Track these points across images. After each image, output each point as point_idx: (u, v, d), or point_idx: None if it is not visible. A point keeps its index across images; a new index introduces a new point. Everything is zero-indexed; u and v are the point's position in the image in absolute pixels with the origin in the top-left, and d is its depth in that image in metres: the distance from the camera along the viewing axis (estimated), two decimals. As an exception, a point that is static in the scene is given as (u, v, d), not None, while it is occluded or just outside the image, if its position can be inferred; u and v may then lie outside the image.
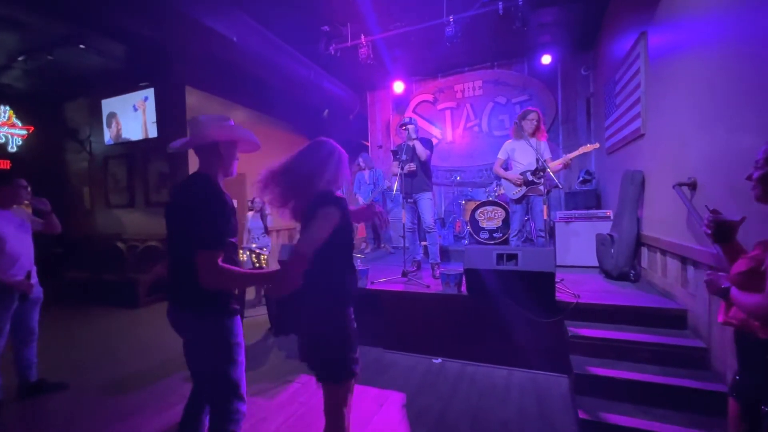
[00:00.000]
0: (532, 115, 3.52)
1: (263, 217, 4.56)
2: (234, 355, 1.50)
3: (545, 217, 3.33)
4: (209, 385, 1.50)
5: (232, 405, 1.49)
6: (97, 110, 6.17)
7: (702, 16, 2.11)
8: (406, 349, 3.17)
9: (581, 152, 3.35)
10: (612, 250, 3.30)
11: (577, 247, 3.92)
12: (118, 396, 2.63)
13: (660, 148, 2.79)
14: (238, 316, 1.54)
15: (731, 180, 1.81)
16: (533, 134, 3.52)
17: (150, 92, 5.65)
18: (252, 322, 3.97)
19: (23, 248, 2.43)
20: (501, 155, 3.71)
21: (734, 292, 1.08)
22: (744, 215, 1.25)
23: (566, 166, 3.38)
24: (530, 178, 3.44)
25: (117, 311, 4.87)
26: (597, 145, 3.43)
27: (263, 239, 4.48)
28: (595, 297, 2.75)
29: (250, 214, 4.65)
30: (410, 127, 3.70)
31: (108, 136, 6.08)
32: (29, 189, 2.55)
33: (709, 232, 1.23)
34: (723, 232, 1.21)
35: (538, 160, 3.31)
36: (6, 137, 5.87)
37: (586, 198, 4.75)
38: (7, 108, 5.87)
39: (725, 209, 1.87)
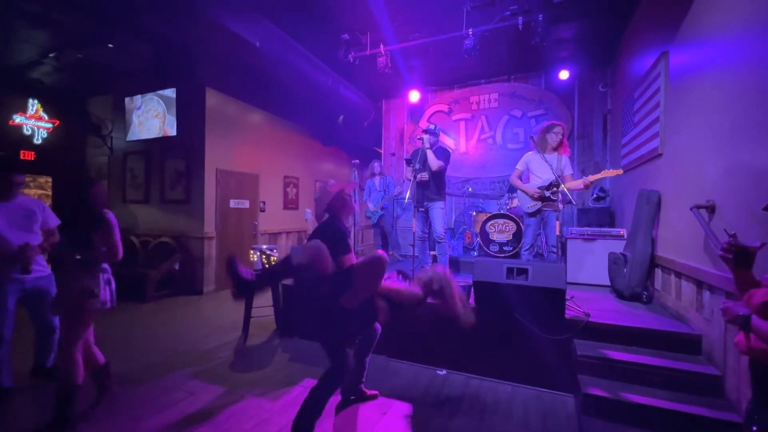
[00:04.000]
0: (558, 129, 3.50)
1: None
2: None
3: (558, 233, 3.30)
4: None
5: None
6: (120, 107, 6.36)
7: (725, 37, 2.10)
8: (411, 358, 3.15)
9: (603, 176, 3.30)
10: (625, 270, 3.24)
11: (588, 264, 3.86)
12: (122, 390, 2.66)
13: (678, 169, 2.75)
14: None
15: (751, 205, 1.78)
16: (556, 148, 3.50)
17: (172, 92, 5.81)
18: (258, 323, 3.99)
19: (10, 243, 2.33)
20: (519, 166, 3.69)
21: (756, 320, 1.05)
22: (764, 242, 1.22)
23: (586, 187, 3.32)
24: (547, 193, 3.41)
25: (125, 305, 4.95)
26: (620, 172, 3.39)
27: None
28: (606, 317, 2.70)
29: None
30: (425, 136, 3.71)
31: (129, 132, 6.26)
32: (22, 184, 2.51)
33: (730, 256, 1.20)
34: (742, 257, 1.18)
35: (556, 176, 3.29)
36: (33, 129, 6.08)
37: (599, 215, 4.69)
38: (36, 101, 6.09)
39: (745, 234, 1.83)
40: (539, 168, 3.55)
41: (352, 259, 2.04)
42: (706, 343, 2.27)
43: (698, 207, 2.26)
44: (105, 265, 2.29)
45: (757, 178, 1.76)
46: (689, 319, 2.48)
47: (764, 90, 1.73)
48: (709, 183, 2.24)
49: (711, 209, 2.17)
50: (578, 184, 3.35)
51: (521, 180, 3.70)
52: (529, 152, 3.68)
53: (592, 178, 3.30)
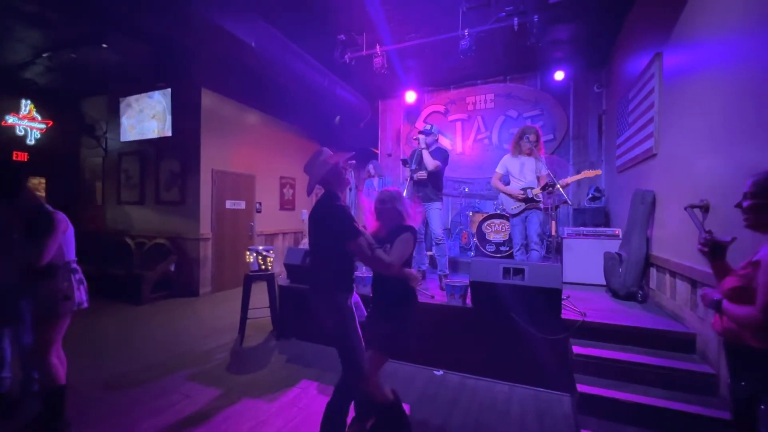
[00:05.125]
0: (530, 135, 3.60)
1: None
2: None
3: (553, 233, 3.33)
4: None
5: None
6: (115, 107, 6.32)
7: (718, 39, 2.12)
8: (408, 359, 3.15)
9: (583, 176, 3.49)
10: (620, 269, 3.27)
11: (584, 264, 3.88)
12: (118, 392, 2.64)
13: (672, 169, 2.77)
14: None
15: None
16: (530, 153, 3.57)
17: (167, 92, 5.78)
18: (255, 324, 3.97)
19: None
20: (499, 169, 3.75)
21: (726, 304, 1.22)
22: (734, 237, 1.44)
23: (564, 187, 3.42)
24: (530, 194, 3.49)
25: (120, 307, 4.92)
26: (599, 172, 3.62)
27: None
28: (602, 316, 2.71)
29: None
30: (421, 137, 3.72)
31: (124, 132, 6.22)
32: None
33: (706, 250, 1.41)
34: (716, 250, 1.40)
35: (550, 178, 3.38)
36: (26, 130, 6.02)
37: (594, 215, 4.72)
38: (29, 102, 6.03)
39: (738, 233, 1.85)
40: (517, 170, 3.64)
41: (362, 243, 1.82)
42: (701, 342, 2.29)
43: (692, 207, 2.27)
44: (75, 265, 2.20)
45: (749, 176, 1.77)
46: (684, 318, 2.51)
47: (756, 90, 1.75)
48: (703, 182, 2.26)
49: (705, 209, 2.19)
50: (566, 183, 3.48)
51: (503, 182, 3.74)
52: (506, 155, 3.77)
53: (568, 180, 3.50)
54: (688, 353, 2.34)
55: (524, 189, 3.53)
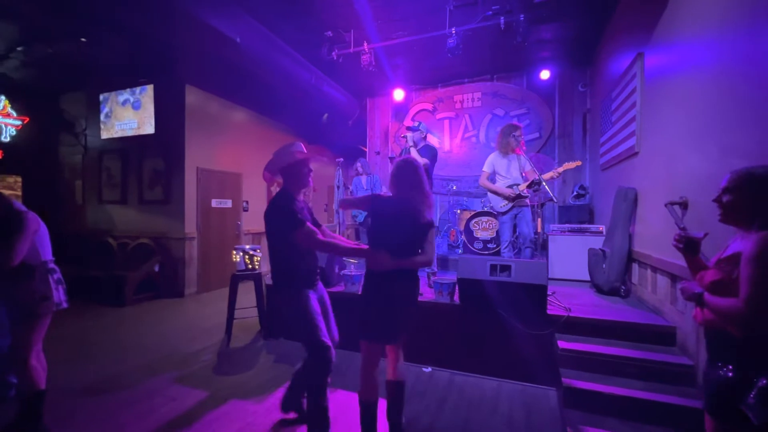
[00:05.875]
0: (518, 132, 3.67)
1: None
2: None
3: (539, 230, 3.38)
4: None
5: None
6: (95, 104, 6.14)
7: (697, 40, 2.18)
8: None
9: (564, 168, 3.56)
10: (604, 265, 3.34)
11: (569, 260, 3.95)
12: (102, 397, 2.58)
13: (653, 167, 2.84)
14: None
15: (721, 201, 1.85)
16: (515, 150, 3.64)
17: (149, 88, 5.64)
18: (242, 324, 3.93)
19: None
20: (487, 168, 3.78)
21: (708, 296, 1.26)
22: (706, 232, 1.51)
23: (552, 178, 3.59)
24: (518, 191, 3.54)
25: (102, 309, 4.80)
26: (579, 163, 3.70)
27: None
28: (586, 311, 2.77)
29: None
30: (408, 134, 3.72)
31: (104, 130, 6.04)
32: None
33: (681, 245, 1.47)
34: (690, 246, 1.45)
35: (536, 174, 3.43)
36: (0, 126, 5.80)
37: (579, 212, 4.81)
38: (3, 97, 5.80)
39: (715, 228, 1.91)
40: (504, 168, 3.69)
41: (307, 230, 1.89)
42: (680, 335, 2.36)
43: (672, 203, 2.34)
44: (53, 265, 2.14)
45: (726, 173, 1.83)
46: (664, 312, 2.58)
47: (732, 89, 1.80)
48: (682, 179, 2.32)
49: (684, 205, 2.25)
50: (550, 175, 3.59)
51: (490, 181, 3.78)
52: (492, 154, 3.82)
53: (550, 174, 3.57)
54: (669, 346, 2.41)
55: (511, 186, 3.58)
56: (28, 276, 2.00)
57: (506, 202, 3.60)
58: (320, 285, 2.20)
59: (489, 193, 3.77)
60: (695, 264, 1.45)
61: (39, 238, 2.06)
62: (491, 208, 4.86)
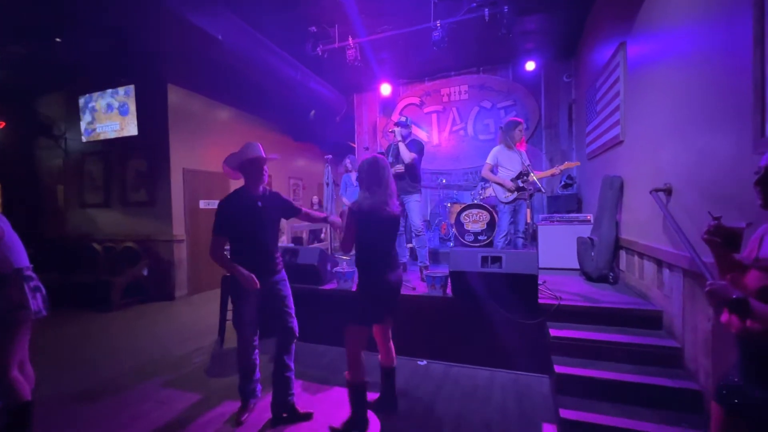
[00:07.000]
0: (522, 126, 3.75)
1: None
2: None
3: (528, 220, 3.42)
4: None
5: None
6: (74, 106, 5.96)
7: (677, 28, 2.20)
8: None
9: (566, 167, 3.63)
10: (592, 253, 3.39)
11: (558, 249, 4.00)
12: (90, 405, 2.52)
13: (638, 155, 2.89)
14: None
15: (704, 186, 1.89)
16: (518, 143, 3.68)
17: (130, 89, 5.50)
18: (234, 325, 3.88)
19: None
20: (490, 160, 3.79)
21: (758, 304, 0.97)
22: (750, 221, 1.16)
23: (553, 175, 3.70)
24: (521, 184, 3.62)
25: (89, 315, 4.70)
26: (578, 163, 4.00)
27: None
28: (576, 299, 2.81)
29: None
30: (396, 129, 3.71)
31: (84, 132, 5.88)
32: None
33: (718, 240, 1.10)
34: (730, 239, 1.10)
35: (524, 167, 3.53)
36: (-26, 132, 5.61)
37: (567, 202, 4.87)
38: (-24, 101, 5.61)
39: (698, 215, 1.95)
40: (508, 161, 3.72)
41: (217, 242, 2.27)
42: (666, 318, 2.41)
43: (656, 190, 2.38)
44: (30, 273, 2.06)
45: (706, 160, 1.87)
46: (651, 297, 2.63)
47: (713, 77, 1.83)
48: (666, 167, 2.36)
49: (668, 192, 2.29)
50: (546, 174, 3.68)
51: (492, 173, 3.81)
52: (497, 147, 3.84)
53: (554, 170, 3.64)
54: (656, 329, 2.46)
55: (514, 179, 3.66)
56: (1, 284, 1.93)
57: (509, 193, 3.65)
58: (277, 276, 2.35)
59: (493, 184, 3.80)
60: (729, 262, 1.13)
61: (7, 245, 1.99)
62: (483, 198, 4.93)
